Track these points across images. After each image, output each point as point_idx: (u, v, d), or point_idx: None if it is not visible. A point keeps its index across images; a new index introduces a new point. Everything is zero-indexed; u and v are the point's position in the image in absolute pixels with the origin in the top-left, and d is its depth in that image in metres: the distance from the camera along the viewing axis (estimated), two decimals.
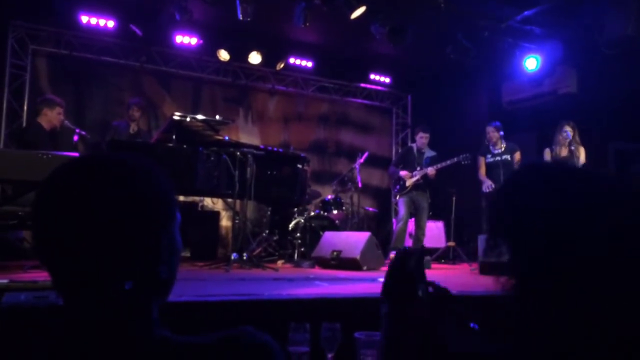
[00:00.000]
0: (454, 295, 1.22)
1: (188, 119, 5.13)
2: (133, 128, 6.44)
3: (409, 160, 6.83)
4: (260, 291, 2.83)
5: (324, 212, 7.15)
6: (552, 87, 7.15)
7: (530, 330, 0.78)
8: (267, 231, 6.83)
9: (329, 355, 1.74)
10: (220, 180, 5.13)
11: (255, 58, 8.27)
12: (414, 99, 10.02)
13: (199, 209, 7.50)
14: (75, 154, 4.00)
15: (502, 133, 6.43)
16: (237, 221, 5.46)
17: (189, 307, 2.23)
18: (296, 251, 6.35)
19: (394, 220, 7.13)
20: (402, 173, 6.71)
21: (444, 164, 6.58)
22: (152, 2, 7.03)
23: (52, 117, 5.20)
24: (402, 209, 6.66)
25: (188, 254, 6.32)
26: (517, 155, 6.33)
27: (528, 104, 7.57)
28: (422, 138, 6.81)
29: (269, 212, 7.04)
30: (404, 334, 1.08)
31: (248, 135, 8.66)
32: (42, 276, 2.96)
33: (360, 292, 3.08)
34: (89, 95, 7.70)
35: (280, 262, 5.98)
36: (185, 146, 5.03)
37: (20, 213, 4.05)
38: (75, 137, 5.41)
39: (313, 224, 6.62)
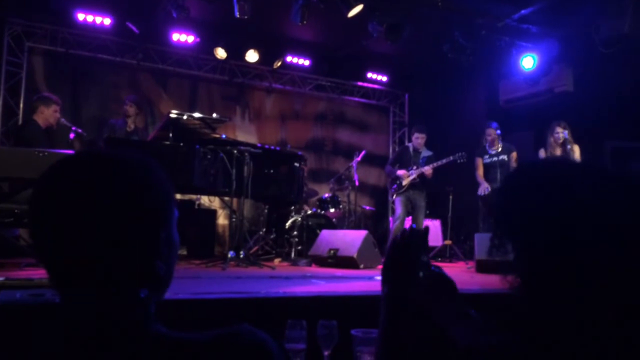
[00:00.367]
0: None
1: (185, 117, 5.12)
2: (129, 126, 6.42)
3: (405, 160, 6.84)
4: (257, 289, 2.82)
5: (321, 210, 7.16)
6: (548, 86, 7.17)
7: (535, 326, 0.79)
8: (264, 229, 6.83)
9: (326, 353, 1.74)
10: (217, 178, 5.13)
11: (252, 56, 8.26)
12: (411, 97, 10.03)
13: (196, 207, 7.49)
14: (72, 152, 3.98)
15: (499, 132, 6.44)
16: (234, 219, 5.46)
17: (185, 305, 2.22)
18: (293, 249, 6.35)
19: (390, 218, 7.13)
20: (399, 172, 6.72)
21: (440, 162, 6.58)
22: None
23: (48, 114, 5.18)
24: (399, 208, 6.66)
25: (185, 252, 6.32)
26: (514, 156, 6.33)
27: (525, 103, 7.58)
28: (417, 139, 6.81)
29: (266, 211, 7.04)
30: (402, 316, 1.08)
31: (245, 134, 8.65)
32: (38, 274, 2.96)
33: (357, 291, 3.08)
34: (85, 92, 7.68)
35: (277, 261, 5.98)
36: (182, 144, 5.02)
37: (16, 211, 4.03)
38: (72, 135, 5.40)
39: (310, 223, 6.63)
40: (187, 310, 2.20)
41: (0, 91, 7.07)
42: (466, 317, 1.16)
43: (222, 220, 7.96)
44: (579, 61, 6.84)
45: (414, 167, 6.68)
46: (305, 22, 6.32)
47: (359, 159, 7.44)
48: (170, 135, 5.15)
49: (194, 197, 7.40)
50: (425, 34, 7.37)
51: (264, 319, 2.20)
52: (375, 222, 9.25)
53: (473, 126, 8.17)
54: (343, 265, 5.11)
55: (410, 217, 6.82)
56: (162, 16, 6.95)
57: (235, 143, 5.45)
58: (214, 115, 5.44)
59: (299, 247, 6.37)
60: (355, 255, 5.09)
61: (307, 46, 8.59)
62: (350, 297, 2.63)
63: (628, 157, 6.25)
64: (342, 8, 6.27)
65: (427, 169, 6.56)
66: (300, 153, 6.38)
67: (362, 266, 5.09)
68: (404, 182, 6.64)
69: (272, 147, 6.22)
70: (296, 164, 5.91)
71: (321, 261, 5.38)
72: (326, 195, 7.50)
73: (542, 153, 6.08)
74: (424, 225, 6.86)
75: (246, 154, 5.07)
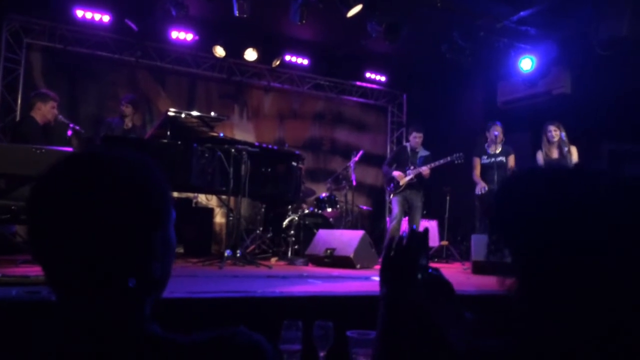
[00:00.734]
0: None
1: (183, 115, 5.12)
2: (127, 124, 6.42)
3: (402, 160, 6.84)
4: (254, 288, 2.82)
5: (318, 209, 7.16)
6: (546, 88, 7.19)
7: (533, 329, 0.79)
8: (261, 228, 6.83)
9: (321, 354, 1.75)
10: (215, 176, 5.12)
11: (251, 55, 8.26)
12: (410, 97, 10.04)
13: (193, 205, 7.48)
14: (69, 149, 3.99)
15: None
16: (231, 218, 5.46)
17: (181, 303, 2.22)
18: (290, 249, 6.36)
19: (387, 218, 7.14)
20: (396, 173, 6.72)
21: (437, 163, 6.59)
22: None
23: (45, 111, 5.17)
24: (396, 208, 6.67)
25: (181, 250, 6.32)
26: (512, 158, 6.33)
27: (523, 104, 7.60)
28: (415, 138, 6.81)
29: (263, 209, 7.04)
30: (401, 317, 1.08)
31: (243, 132, 8.65)
32: (34, 271, 2.95)
33: (353, 291, 3.08)
34: (83, 90, 7.67)
35: (273, 260, 5.98)
36: (179, 142, 5.02)
37: (13, 207, 4.02)
38: (69, 132, 5.39)
39: (307, 222, 6.63)
40: (183, 309, 2.20)
41: None
42: (462, 319, 1.17)
43: (219, 218, 7.96)
44: (577, 63, 6.86)
45: (411, 167, 6.68)
46: (304, 21, 6.32)
47: (356, 158, 7.44)
48: (168, 133, 5.14)
49: (191, 195, 7.39)
50: (424, 34, 7.38)
51: (260, 319, 2.20)
52: (372, 222, 9.26)
53: (471, 127, 8.20)
54: (340, 265, 5.11)
55: (407, 217, 6.83)
56: (161, 14, 6.94)
57: (233, 142, 5.45)
58: (212, 113, 5.44)
59: (296, 247, 6.38)
60: (352, 255, 5.10)
61: (306, 45, 8.59)
62: (347, 298, 2.63)
63: (624, 159, 6.27)
64: (341, 8, 6.27)
65: (425, 169, 6.56)
66: (297, 152, 6.39)
67: (358, 266, 5.09)
68: (401, 182, 6.65)
69: (270, 146, 6.22)
70: (294, 163, 5.91)
71: (318, 261, 5.38)
72: (323, 194, 7.50)
73: (539, 155, 6.09)
74: (420, 226, 6.87)
75: (244, 152, 5.07)
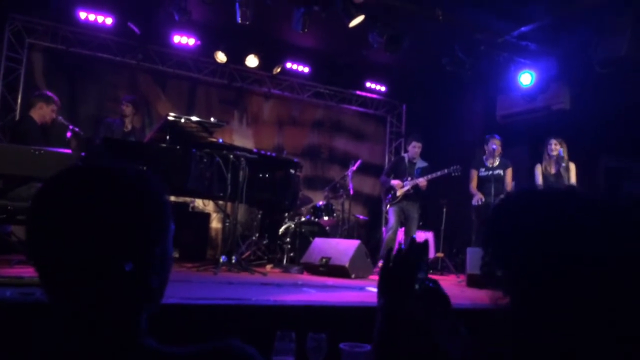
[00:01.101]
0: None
1: (182, 120, 5.13)
2: (127, 126, 6.42)
3: (400, 170, 6.86)
4: (248, 296, 2.82)
5: (315, 218, 7.15)
6: (545, 103, 7.22)
7: (531, 337, 0.80)
8: (256, 235, 6.82)
9: None
10: (212, 182, 5.12)
11: (252, 61, 8.29)
12: (409, 108, 10.07)
13: (190, 209, 7.48)
14: (68, 150, 3.98)
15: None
16: (227, 224, 5.46)
17: (175, 309, 2.22)
18: (285, 256, 6.35)
19: (383, 228, 7.14)
20: (393, 182, 6.73)
21: (434, 175, 6.60)
22: (151, 1, 7.03)
23: (45, 112, 5.18)
24: (392, 218, 6.68)
25: (177, 255, 6.30)
26: (509, 172, 6.34)
27: (521, 119, 7.63)
28: (414, 147, 6.83)
29: (259, 216, 7.03)
30: (398, 329, 1.09)
31: (242, 138, 8.66)
32: (28, 272, 2.95)
33: (348, 301, 3.09)
34: (84, 91, 7.68)
35: (268, 267, 5.97)
36: (178, 147, 5.02)
37: (9, 207, 4.01)
38: (69, 134, 5.39)
39: (303, 230, 6.63)
40: (176, 316, 2.20)
41: None
42: (457, 333, 1.17)
43: (215, 223, 7.95)
44: (576, 80, 6.89)
45: (409, 178, 6.70)
46: (306, 30, 6.35)
47: (354, 167, 7.45)
48: (167, 137, 5.15)
49: (188, 199, 7.39)
50: (425, 47, 7.42)
51: (254, 327, 2.21)
52: (368, 232, 9.25)
53: (469, 139, 8.23)
54: (335, 274, 5.11)
55: (403, 228, 6.83)
56: (163, 18, 6.97)
57: (232, 148, 5.45)
58: (212, 119, 5.45)
59: (291, 254, 6.36)
60: (347, 265, 5.09)
61: (307, 53, 8.63)
62: (341, 308, 2.64)
63: (622, 176, 6.30)
64: (344, 18, 6.30)
65: (422, 181, 6.58)
66: (296, 160, 6.39)
67: (353, 276, 5.09)
68: (398, 193, 6.66)
69: (268, 153, 6.22)
70: (292, 171, 5.91)
71: (313, 269, 5.38)
72: (320, 202, 7.50)
73: (538, 169, 6.11)
74: (417, 237, 6.86)
75: (242, 159, 5.07)
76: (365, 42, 6.88)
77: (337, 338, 1.74)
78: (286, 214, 6.88)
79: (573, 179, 5.91)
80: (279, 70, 8.60)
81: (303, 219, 6.91)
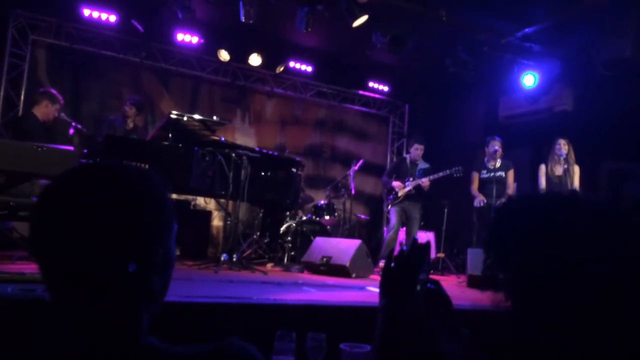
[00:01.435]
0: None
1: (185, 118, 5.13)
2: (129, 124, 6.43)
3: (402, 171, 6.86)
4: (249, 294, 2.83)
5: (316, 217, 7.16)
6: (548, 105, 7.20)
7: (531, 339, 0.80)
8: (258, 233, 6.82)
9: None
10: (214, 180, 5.13)
11: (255, 60, 8.29)
12: (412, 108, 10.06)
13: (192, 207, 7.48)
14: (70, 148, 3.99)
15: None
16: (228, 222, 5.46)
17: (176, 307, 2.23)
18: (286, 255, 6.35)
19: (385, 228, 7.14)
20: (394, 183, 6.73)
21: (436, 175, 6.60)
22: None
23: (49, 110, 5.20)
24: (394, 219, 6.68)
25: (178, 253, 6.30)
26: (511, 173, 6.33)
27: (524, 120, 7.61)
28: (417, 150, 6.83)
29: (260, 215, 7.04)
30: (400, 329, 1.09)
31: (244, 137, 8.66)
32: (30, 268, 2.96)
33: (348, 301, 3.09)
34: (87, 88, 7.69)
35: (269, 265, 5.97)
36: (180, 145, 5.03)
37: (11, 203, 4.03)
38: (71, 131, 5.40)
39: (304, 229, 6.63)
40: (177, 314, 2.20)
41: (2, 82, 7.07)
42: (458, 334, 1.17)
43: (216, 222, 7.96)
44: (579, 81, 6.87)
45: (410, 179, 6.70)
46: (309, 29, 6.35)
47: (356, 167, 7.45)
48: (170, 135, 5.16)
49: (189, 197, 7.40)
50: (428, 47, 7.41)
51: (254, 326, 2.21)
52: (370, 232, 9.25)
53: (471, 140, 8.22)
54: (335, 273, 5.11)
55: (404, 228, 6.84)
56: (167, 16, 6.97)
57: (234, 146, 5.46)
58: (214, 117, 5.45)
59: (292, 253, 6.37)
60: (347, 264, 5.10)
61: (311, 53, 8.62)
62: (341, 308, 2.64)
63: (624, 178, 6.28)
64: (347, 17, 6.30)
65: (425, 181, 6.57)
66: (298, 159, 6.40)
67: (354, 275, 5.09)
68: (400, 193, 6.66)
69: (271, 152, 6.23)
70: (293, 170, 5.92)
71: (314, 268, 5.38)
72: (322, 202, 7.50)
73: (541, 169, 6.09)
74: (418, 237, 6.86)
75: (244, 157, 5.08)
76: (369, 42, 6.88)
77: (337, 338, 1.74)
78: (287, 213, 6.89)
79: (576, 182, 5.89)
80: (282, 69, 8.59)
81: (304, 218, 6.92)
